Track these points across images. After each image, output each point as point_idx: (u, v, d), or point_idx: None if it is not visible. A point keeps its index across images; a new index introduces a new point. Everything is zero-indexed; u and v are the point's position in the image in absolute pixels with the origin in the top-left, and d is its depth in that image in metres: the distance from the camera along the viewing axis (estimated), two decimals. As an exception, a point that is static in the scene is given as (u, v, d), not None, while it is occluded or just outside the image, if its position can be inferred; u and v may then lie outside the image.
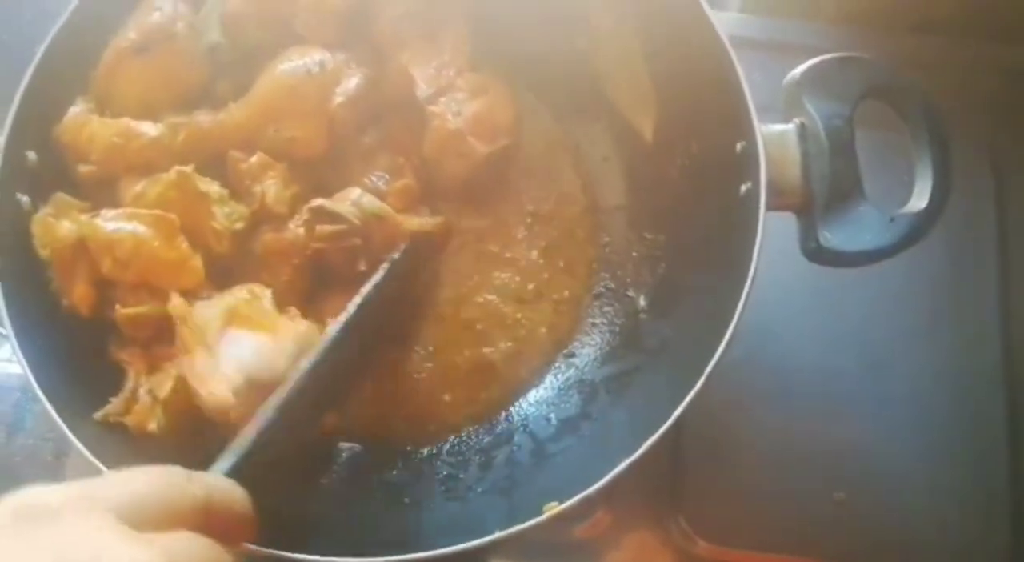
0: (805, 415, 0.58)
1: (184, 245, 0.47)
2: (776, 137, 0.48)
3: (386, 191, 0.53)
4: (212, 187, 0.49)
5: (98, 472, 0.43)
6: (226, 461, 0.38)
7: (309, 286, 0.52)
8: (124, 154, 0.49)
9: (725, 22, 0.68)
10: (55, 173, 0.50)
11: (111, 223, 0.46)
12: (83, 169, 0.49)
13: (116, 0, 0.51)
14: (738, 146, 0.48)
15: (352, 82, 0.52)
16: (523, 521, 0.43)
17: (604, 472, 0.43)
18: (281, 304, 0.48)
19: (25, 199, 0.48)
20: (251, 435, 0.40)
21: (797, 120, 0.49)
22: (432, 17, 0.55)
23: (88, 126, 0.49)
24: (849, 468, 0.57)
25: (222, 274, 0.50)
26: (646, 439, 0.44)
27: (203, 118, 0.51)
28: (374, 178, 0.53)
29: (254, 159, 0.51)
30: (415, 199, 0.54)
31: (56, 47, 0.49)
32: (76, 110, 0.49)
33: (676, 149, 0.56)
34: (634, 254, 0.58)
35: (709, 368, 0.44)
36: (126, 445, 0.46)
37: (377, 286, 0.50)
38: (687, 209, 0.55)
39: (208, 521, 0.30)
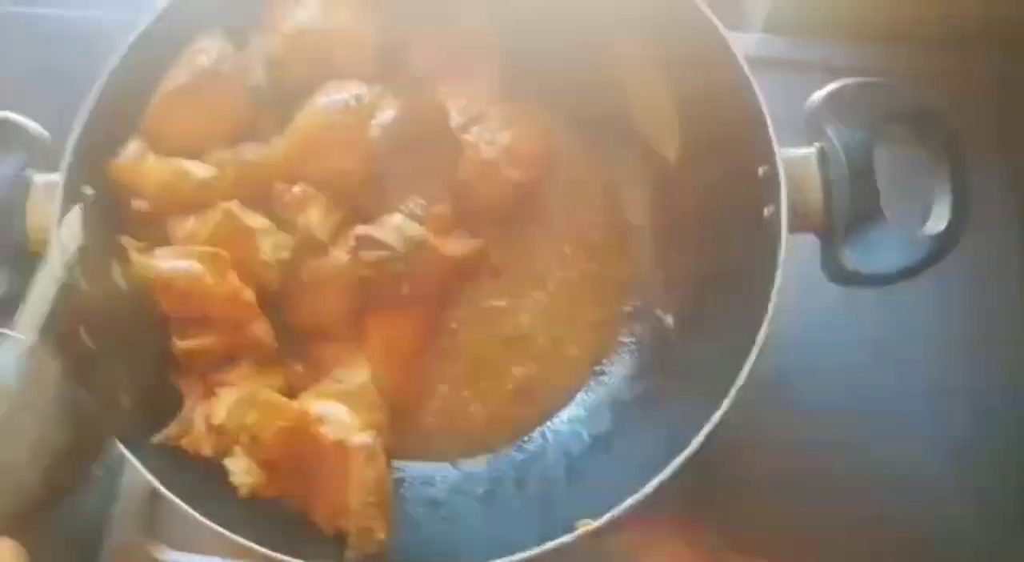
0: (835, 428, 0.59)
1: (235, 279, 0.49)
2: (798, 161, 0.49)
3: (423, 217, 0.55)
4: (257, 220, 0.52)
5: (154, 490, 0.46)
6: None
7: (355, 309, 0.54)
8: (177, 193, 0.51)
9: (747, 42, 0.71)
10: (110, 209, 0.52)
11: (166, 261, 0.49)
12: (136, 205, 0.52)
13: (170, 38, 0.53)
14: (760, 170, 0.50)
15: (388, 113, 0.54)
16: (557, 537, 0.45)
17: (637, 488, 0.45)
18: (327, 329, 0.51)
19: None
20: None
21: (818, 144, 0.50)
22: (465, 50, 0.58)
23: (143, 165, 0.52)
24: (880, 482, 0.58)
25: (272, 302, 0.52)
26: (678, 455, 0.45)
27: (248, 153, 0.54)
28: (411, 205, 0.55)
29: (296, 189, 0.53)
30: (450, 225, 0.56)
31: (113, 84, 0.51)
32: (131, 149, 0.52)
33: (700, 172, 0.57)
34: (661, 275, 0.60)
35: (737, 386, 0.45)
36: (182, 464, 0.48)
37: None
38: (712, 231, 0.56)
39: None
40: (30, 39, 0.76)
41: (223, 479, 0.48)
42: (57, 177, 0.50)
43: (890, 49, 0.70)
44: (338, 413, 0.49)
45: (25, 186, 0.51)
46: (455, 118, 0.56)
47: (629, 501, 0.44)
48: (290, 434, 0.47)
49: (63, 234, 0.46)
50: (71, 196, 0.50)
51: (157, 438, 0.49)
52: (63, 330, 0.44)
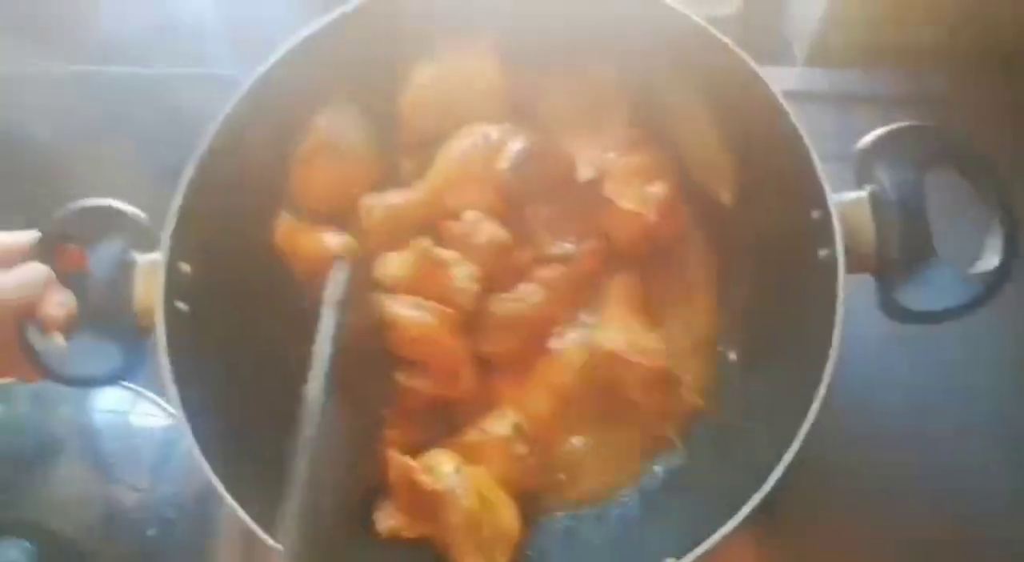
0: (897, 457, 0.61)
1: (461, 348, 0.56)
2: (850, 205, 0.52)
3: (579, 252, 0.60)
4: (447, 253, 0.57)
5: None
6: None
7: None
8: (324, 262, 0.57)
9: (790, 77, 0.74)
10: (207, 281, 0.56)
11: (404, 308, 0.55)
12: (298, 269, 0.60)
13: (261, 117, 0.57)
14: (813, 214, 0.52)
15: (515, 148, 0.58)
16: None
17: (713, 524, 0.48)
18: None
19: (183, 306, 0.55)
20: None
21: (869, 187, 0.52)
22: (596, 101, 0.62)
23: (293, 238, 0.59)
24: (941, 508, 0.60)
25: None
26: (756, 491, 0.48)
27: (393, 198, 0.60)
28: (564, 244, 0.60)
29: (467, 215, 0.58)
30: (606, 258, 0.61)
31: (204, 166, 0.55)
32: (280, 222, 0.60)
33: (753, 213, 0.60)
34: (723, 311, 0.62)
35: (808, 421, 0.48)
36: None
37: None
38: (768, 269, 0.59)
39: None
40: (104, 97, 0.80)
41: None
42: (158, 256, 0.54)
43: (930, 75, 0.71)
44: (441, 461, 0.55)
45: (130, 267, 0.55)
46: (584, 171, 0.59)
47: (713, 539, 0.47)
48: (405, 483, 0.53)
49: (331, 293, 0.52)
50: (172, 274, 0.54)
51: None
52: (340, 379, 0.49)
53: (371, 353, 0.56)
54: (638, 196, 0.59)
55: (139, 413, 0.68)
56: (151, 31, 0.83)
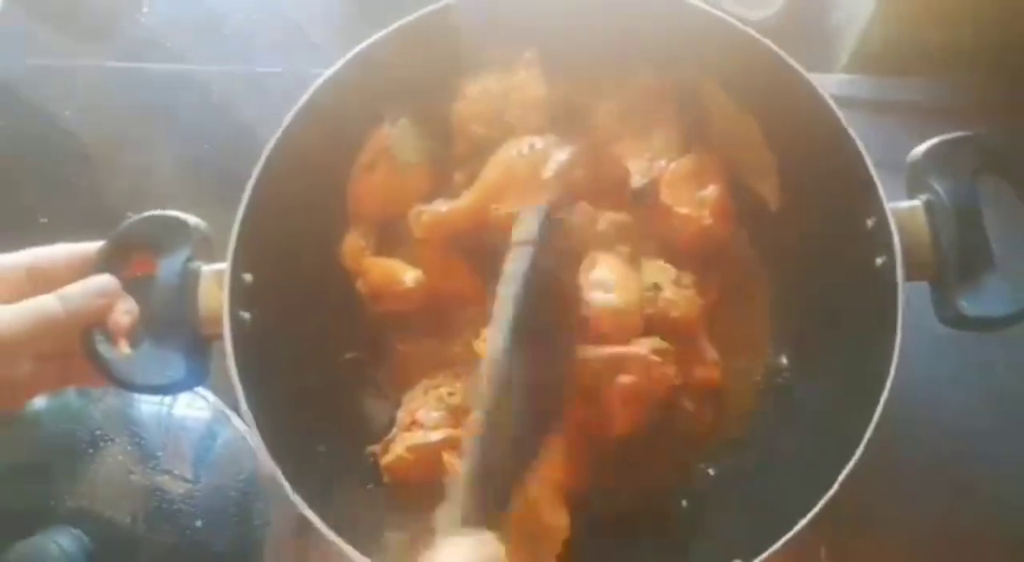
0: (945, 448, 0.62)
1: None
2: (905, 213, 0.53)
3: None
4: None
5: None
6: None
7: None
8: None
9: (830, 83, 0.74)
10: (267, 290, 0.57)
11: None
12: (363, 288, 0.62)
13: (320, 127, 0.58)
14: (868, 222, 0.53)
15: (561, 156, 0.59)
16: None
17: (774, 530, 0.48)
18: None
19: (246, 315, 0.56)
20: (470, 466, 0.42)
21: (924, 197, 0.53)
22: (644, 108, 0.63)
23: (362, 261, 0.62)
24: (995, 524, 0.61)
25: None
26: (813, 498, 0.48)
27: (441, 206, 0.61)
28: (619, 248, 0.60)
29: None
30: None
31: (263, 179, 0.56)
32: (348, 242, 0.62)
33: (801, 218, 0.61)
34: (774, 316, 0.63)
35: (868, 433, 0.48)
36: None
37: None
38: (818, 276, 0.59)
39: None
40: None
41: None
42: (224, 266, 0.55)
43: (974, 82, 0.72)
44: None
45: (195, 277, 0.56)
46: (636, 179, 0.61)
47: (776, 545, 0.48)
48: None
49: (521, 232, 0.50)
50: (237, 284, 0.55)
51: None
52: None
53: (559, 307, 0.52)
54: (693, 200, 0.60)
55: (182, 405, 0.69)
56: (194, 27, 0.85)
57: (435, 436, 0.57)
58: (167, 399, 0.68)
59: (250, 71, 0.81)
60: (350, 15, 0.77)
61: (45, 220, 0.73)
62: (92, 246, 0.56)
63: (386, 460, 0.58)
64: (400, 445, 0.58)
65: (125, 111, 0.82)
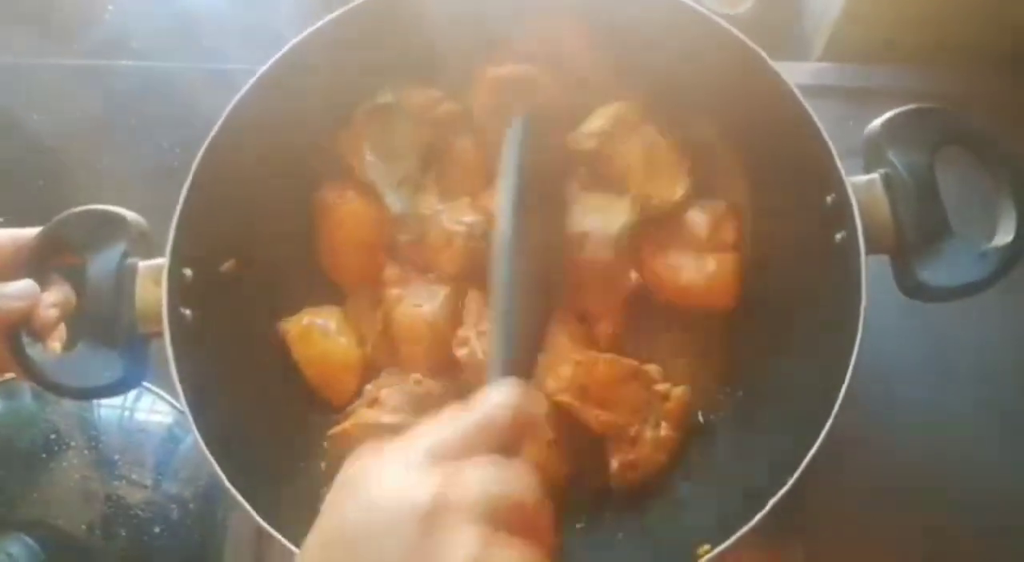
0: (918, 445, 0.61)
1: None
2: (864, 187, 0.52)
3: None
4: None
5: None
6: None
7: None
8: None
9: (805, 71, 0.74)
10: (207, 285, 0.55)
11: None
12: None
13: (257, 127, 0.56)
14: (828, 198, 0.52)
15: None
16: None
17: (740, 512, 0.47)
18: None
19: (187, 312, 0.53)
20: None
21: (881, 170, 0.52)
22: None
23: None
24: (958, 496, 0.60)
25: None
26: (781, 480, 0.47)
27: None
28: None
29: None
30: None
31: (202, 174, 0.54)
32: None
33: (767, 205, 0.60)
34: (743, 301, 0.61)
35: (836, 408, 0.47)
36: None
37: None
38: (786, 256, 0.58)
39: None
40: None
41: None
42: (162, 261, 0.52)
43: (946, 72, 0.72)
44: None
45: (131, 273, 0.53)
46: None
47: (746, 527, 0.46)
48: None
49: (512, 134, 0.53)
50: (176, 279, 0.52)
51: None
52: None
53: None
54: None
55: (143, 409, 0.67)
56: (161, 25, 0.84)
57: (389, 418, 0.54)
58: (128, 403, 0.66)
59: (218, 69, 0.79)
60: (318, 11, 0.75)
61: (2, 219, 0.70)
62: (31, 231, 0.53)
63: (333, 430, 0.57)
64: (352, 419, 0.56)
65: (90, 109, 0.80)
